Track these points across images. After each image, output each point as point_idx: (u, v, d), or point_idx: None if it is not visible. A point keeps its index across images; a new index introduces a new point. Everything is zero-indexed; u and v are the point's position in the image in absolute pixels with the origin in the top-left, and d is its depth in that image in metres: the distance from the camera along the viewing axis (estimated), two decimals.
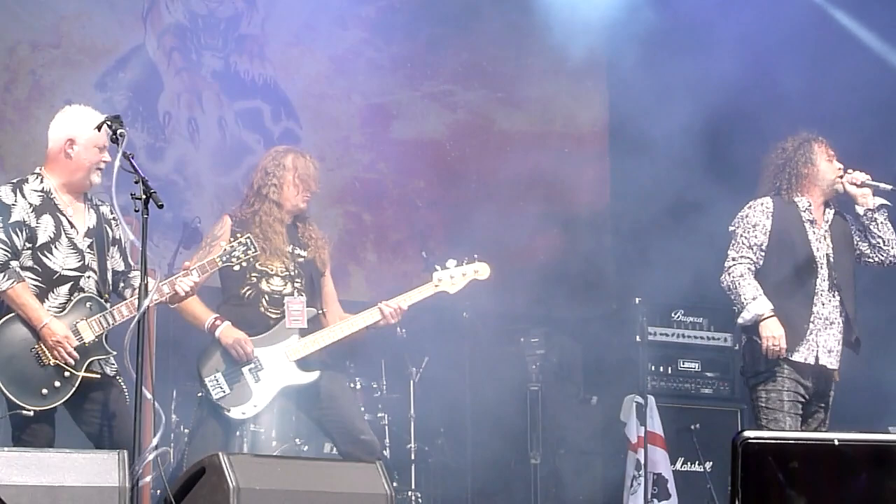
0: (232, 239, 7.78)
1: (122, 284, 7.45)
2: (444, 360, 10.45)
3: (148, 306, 6.76)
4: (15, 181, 7.21)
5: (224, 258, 7.64)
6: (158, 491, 6.54)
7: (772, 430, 8.04)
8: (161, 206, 6.93)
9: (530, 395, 11.02)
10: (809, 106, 10.47)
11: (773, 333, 8.10)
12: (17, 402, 6.90)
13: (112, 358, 7.29)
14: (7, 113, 11.20)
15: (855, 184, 8.37)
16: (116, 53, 11.62)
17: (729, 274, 8.33)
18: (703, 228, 9.87)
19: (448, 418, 10.87)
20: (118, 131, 6.72)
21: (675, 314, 11.49)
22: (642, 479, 10.60)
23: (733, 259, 8.34)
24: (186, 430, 7.89)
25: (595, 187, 12.86)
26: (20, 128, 11.22)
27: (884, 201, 8.37)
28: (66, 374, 7.05)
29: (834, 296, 8.32)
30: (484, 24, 12.76)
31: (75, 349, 7.05)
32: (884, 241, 8.35)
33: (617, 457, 10.98)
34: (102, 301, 7.27)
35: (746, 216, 8.39)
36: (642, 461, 10.65)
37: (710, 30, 11.21)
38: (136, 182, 6.76)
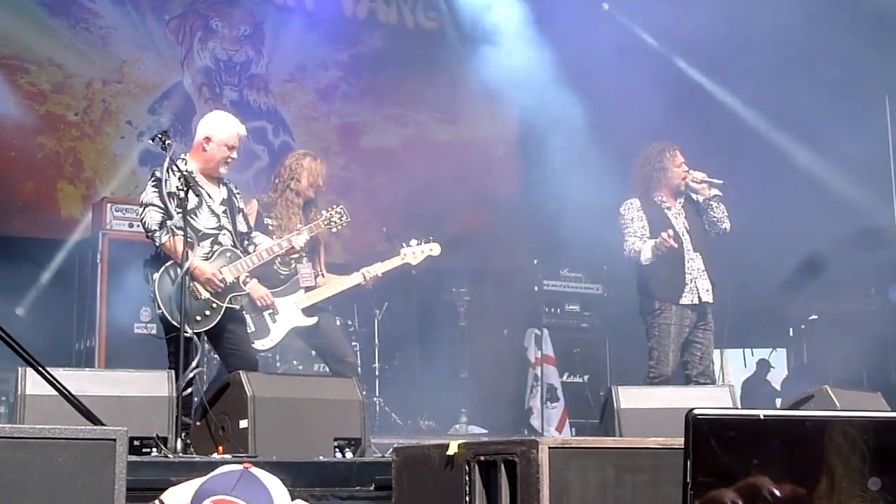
0: (329, 209, 7.77)
1: (245, 242, 7.26)
2: (399, 304, 10.42)
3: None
4: (167, 162, 6.62)
5: (325, 222, 7.65)
6: (196, 399, 6.45)
7: (658, 352, 8.09)
8: (198, 195, 6.86)
9: (460, 329, 11.02)
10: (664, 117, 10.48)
11: (662, 239, 7.89)
12: (178, 326, 6.42)
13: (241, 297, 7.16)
14: (85, 129, 11.16)
15: (695, 181, 8.34)
16: (163, 87, 11.60)
17: (625, 249, 8.20)
18: (588, 210, 9.85)
19: (402, 346, 10.85)
20: (166, 142, 6.55)
21: (563, 271, 11.54)
22: (539, 387, 10.65)
23: (628, 241, 8.21)
24: (216, 356, 7.77)
25: (510, 179, 12.85)
26: (94, 139, 11.23)
27: (717, 192, 8.32)
28: (214, 305, 6.88)
29: (698, 254, 8.26)
30: (426, 65, 12.72)
31: (220, 288, 6.92)
32: (717, 219, 8.30)
33: (521, 372, 11.03)
34: (238, 252, 7.11)
35: (624, 215, 8.29)
36: (539, 375, 10.71)
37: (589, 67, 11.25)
38: (180, 178, 6.67)
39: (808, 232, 10.83)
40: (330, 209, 7.80)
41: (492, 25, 12.18)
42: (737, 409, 1.40)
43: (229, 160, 7.18)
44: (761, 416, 1.21)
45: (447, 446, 4.33)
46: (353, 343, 9.79)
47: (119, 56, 11.37)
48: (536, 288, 11.04)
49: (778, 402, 11.79)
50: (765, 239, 10.92)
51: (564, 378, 10.97)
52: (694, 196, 8.41)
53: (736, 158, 10.59)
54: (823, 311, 12.04)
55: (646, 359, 8.30)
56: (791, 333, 12.45)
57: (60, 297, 9.75)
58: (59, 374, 5.23)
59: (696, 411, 1.18)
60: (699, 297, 8.18)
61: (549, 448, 3.94)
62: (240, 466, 3.05)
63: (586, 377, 11.19)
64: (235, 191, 7.35)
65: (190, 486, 3.18)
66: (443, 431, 10.27)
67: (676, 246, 7.99)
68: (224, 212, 7.15)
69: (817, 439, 1.19)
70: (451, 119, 12.83)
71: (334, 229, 7.86)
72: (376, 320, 10.22)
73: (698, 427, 1.20)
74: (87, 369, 6.97)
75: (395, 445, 5.04)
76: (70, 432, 3.39)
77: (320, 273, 8.19)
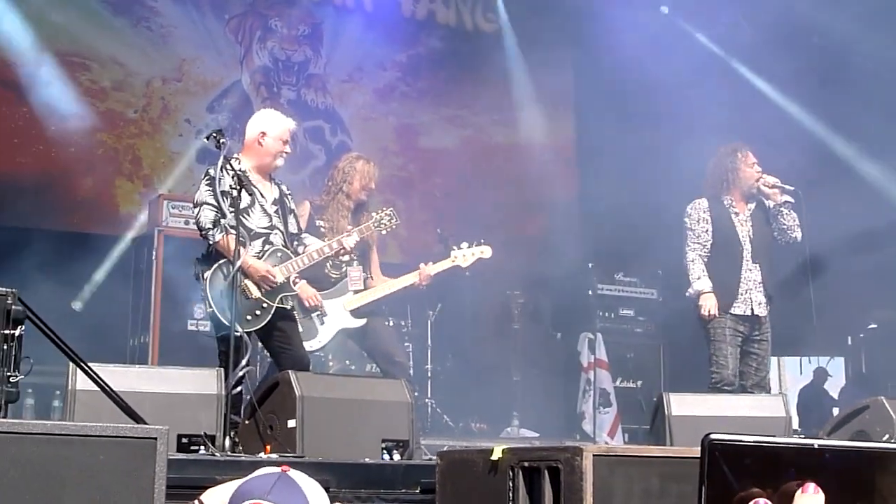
0: (379, 211, 7.79)
1: (295, 243, 7.27)
2: (452, 306, 10.38)
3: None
4: (221, 160, 6.68)
5: (375, 224, 7.66)
6: (247, 396, 6.46)
7: (718, 357, 7.94)
8: (251, 194, 6.87)
9: (513, 332, 10.99)
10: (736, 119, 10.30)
11: (707, 304, 7.88)
12: (229, 325, 6.43)
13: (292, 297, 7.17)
14: (144, 127, 11.25)
15: (767, 185, 8.14)
16: (221, 86, 11.67)
17: (686, 257, 8.09)
18: (643, 214, 9.76)
19: (455, 347, 10.82)
20: (221, 140, 6.58)
21: (618, 275, 11.46)
22: (591, 392, 10.58)
23: (689, 247, 8.10)
24: (267, 354, 7.78)
25: (566, 182, 12.78)
26: (153, 136, 11.31)
27: (789, 198, 8.14)
28: (265, 304, 6.89)
29: (757, 265, 8.10)
30: (484, 67, 12.69)
31: (270, 288, 6.92)
32: (788, 227, 8.10)
33: (574, 376, 10.96)
34: (289, 252, 7.11)
35: (690, 215, 8.15)
36: (592, 380, 10.64)
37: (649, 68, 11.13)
38: (233, 177, 6.67)
39: (870, 239, 10.65)
40: (380, 211, 7.80)
41: (548, 30, 12.12)
42: (756, 435, 1.34)
43: (284, 154, 7.20)
44: (815, 446, 1.15)
45: (491, 451, 4.28)
46: (406, 344, 9.78)
47: (179, 54, 11.47)
48: (591, 292, 10.98)
49: (835, 411, 11.63)
50: (826, 246, 10.75)
51: (617, 383, 10.89)
52: (766, 202, 8.25)
53: (799, 164, 10.44)
54: (883, 320, 11.84)
55: (699, 365, 8.20)
56: (850, 342, 12.25)
57: (116, 293, 9.82)
58: (110, 370, 5.27)
59: (711, 436, 1.14)
60: (752, 310, 8.04)
61: (594, 455, 3.89)
62: (278, 469, 3.02)
63: (639, 383, 11.10)
64: (287, 191, 7.35)
65: (229, 488, 3.15)
66: (494, 434, 10.24)
67: (717, 316, 7.93)
68: (276, 212, 7.15)
69: (842, 470, 1.13)
70: (509, 121, 12.79)
71: (384, 231, 7.85)
72: (429, 322, 10.20)
73: (713, 453, 1.15)
74: (138, 366, 7.02)
75: (444, 448, 5.02)
76: (111, 430, 3.39)
77: (371, 276, 8.19)
